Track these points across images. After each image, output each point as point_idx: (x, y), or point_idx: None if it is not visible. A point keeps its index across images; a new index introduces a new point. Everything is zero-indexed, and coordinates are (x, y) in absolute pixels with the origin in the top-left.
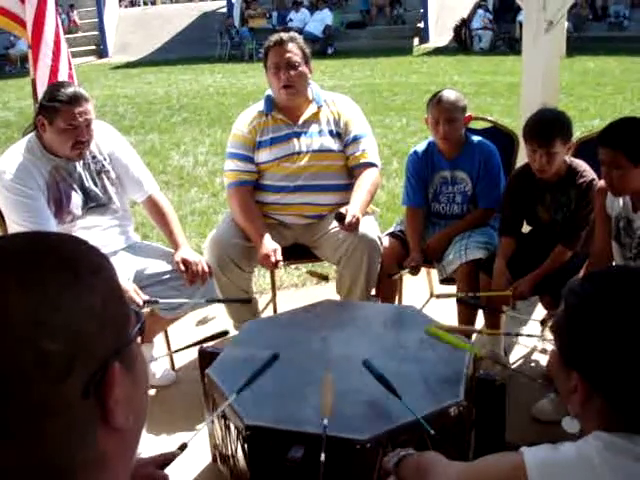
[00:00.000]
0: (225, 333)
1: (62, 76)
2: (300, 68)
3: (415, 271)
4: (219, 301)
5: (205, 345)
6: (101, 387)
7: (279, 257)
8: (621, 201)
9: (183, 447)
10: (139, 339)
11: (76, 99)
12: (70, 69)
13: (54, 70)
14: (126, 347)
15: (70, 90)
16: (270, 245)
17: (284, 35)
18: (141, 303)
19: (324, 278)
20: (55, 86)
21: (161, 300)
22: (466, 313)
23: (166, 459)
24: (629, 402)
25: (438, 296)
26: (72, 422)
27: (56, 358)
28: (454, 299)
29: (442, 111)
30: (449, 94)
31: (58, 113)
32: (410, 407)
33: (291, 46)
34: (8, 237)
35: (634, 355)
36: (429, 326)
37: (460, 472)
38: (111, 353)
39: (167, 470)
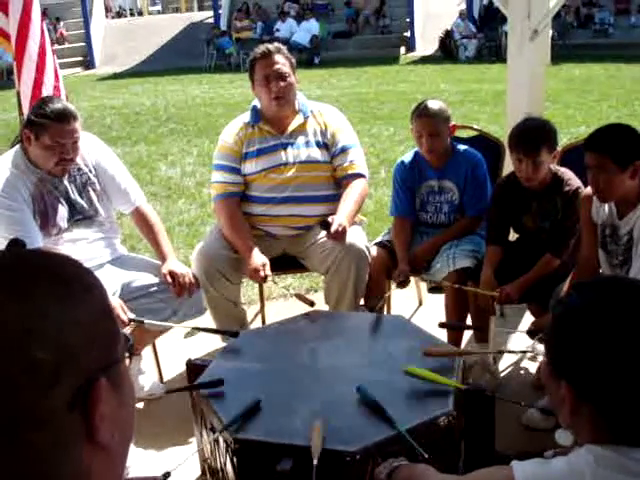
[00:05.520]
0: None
1: (47, 89)
2: (289, 79)
3: (404, 285)
4: (205, 330)
5: (194, 358)
6: (87, 401)
7: (268, 272)
8: (606, 208)
9: (166, 476)
10: (127, 361)
11: (64, 117)
12: (57, 81)
13: (38, 83)
14: (114, 365)
15: (59, 106)
16: (259, 259)
17: (270, 46)
18: (126, 321)
19: (311, 304)
20: (44, 101)
21: (147, 321)
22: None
23: None
24: (618, 413)
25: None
26: (57, 434)
27: (44, 366)
28: (441, 306)
29: (425, 125)
30: (432, 105)
31: (45, 129)
32: (403, 429)
33: (278, 57)
34: (1, 252)
35: (621, 365)
36: (407, 366)
37: None
38: (98, 368)
39: None
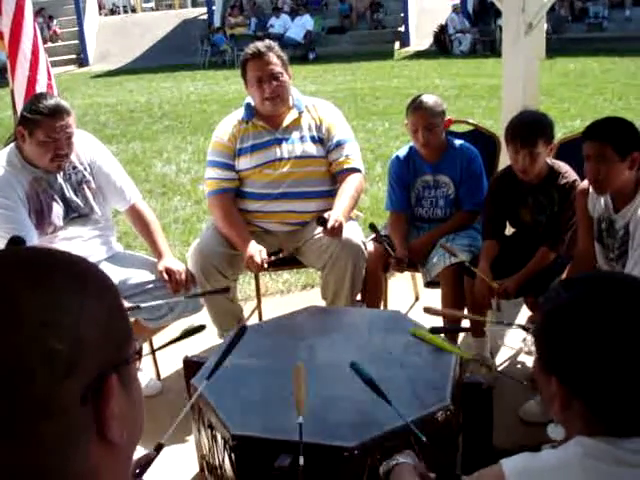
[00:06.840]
0: (202, 327)
1: (41, 87)
2: (282, 78)
3: (401, 266)
4: (197, 295)
5: (190, 355)
6: (99, 397)
7: (264, 257)
8: (602, 202)
9: (159, 448)
10: (137, 364)
11: (57, 112)
12: (50, 79)
13: (32, 81)
14: (125, 365)
15: (52, 102)
16: (255, 247)
17: (261, 45)
18: None
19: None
20: (37, 98)
21: (143, 305)
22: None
23: (143, 464)
24: (608, 406)
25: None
26: (68, 427)
27: (60, 357)
28: (438, 301)
29: (420, 118)
30: (427, 100)
31: (38, 125)
32: (399, 412)
33: (270, 56)
34: (20, 248)
35: (611, 359)
36: (415, 329)
37: None
38: (110, 365)
39: (151, 477)
